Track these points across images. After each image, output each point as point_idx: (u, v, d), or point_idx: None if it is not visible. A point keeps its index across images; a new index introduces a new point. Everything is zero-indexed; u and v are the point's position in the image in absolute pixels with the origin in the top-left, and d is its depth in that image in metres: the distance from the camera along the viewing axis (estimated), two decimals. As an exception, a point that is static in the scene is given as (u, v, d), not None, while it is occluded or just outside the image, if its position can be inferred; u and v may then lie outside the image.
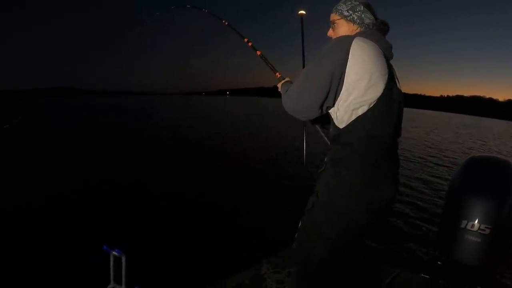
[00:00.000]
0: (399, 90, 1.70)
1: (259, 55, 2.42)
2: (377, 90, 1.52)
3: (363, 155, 1.55)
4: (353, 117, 1.53)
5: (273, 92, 2.09)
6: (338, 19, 1.76)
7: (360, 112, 1.52)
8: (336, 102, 1.57)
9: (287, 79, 2.06)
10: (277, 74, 2.19)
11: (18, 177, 9.46)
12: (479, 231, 1.83)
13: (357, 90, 1.50)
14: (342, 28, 1.76)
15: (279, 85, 2.04)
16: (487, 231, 1.82)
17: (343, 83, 1.52)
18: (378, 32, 1.70)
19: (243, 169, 11.43)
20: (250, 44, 2.51)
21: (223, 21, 2.81)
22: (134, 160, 12.34)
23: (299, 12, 2.40)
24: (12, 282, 4.17)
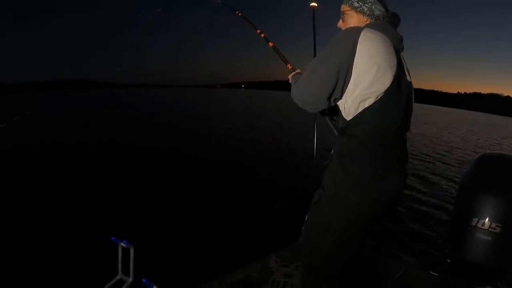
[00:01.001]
0: (409, 83, 1.67)
1: (271, 46, 2.42)
2: (385, 82, 1.49)
3: (369, 147, 1.54)
4: (360, 109, 1.52)
5: (287, 85, 2.08)
6: (348, 10, 1.74)
7: (367, 104, 1.50)
8: (344, 94, 1.55)
9: (298, 70, 2.05)
10: (289, 65, 2.19)
11: (29, 168, 9.58)
12: (489, 229, 1.82)
13: (364, 82, 1.49)
14: (351, 19, 1.74)
15: (289, 77, 2.03)
16: (498, 229, 1.80)
17: (351, 75, 1.50)
18: (389, 24, 1.68)
19: (253, 161, 11.47)
20: (262, 35, 2.52)
21: (237, 12, 2.82)
22: (145, 151, 12.44)
23: (311, 5, 2.39)
24: (21, 273, 4.22)
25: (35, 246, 4.83)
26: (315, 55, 2.23)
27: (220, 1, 3.05)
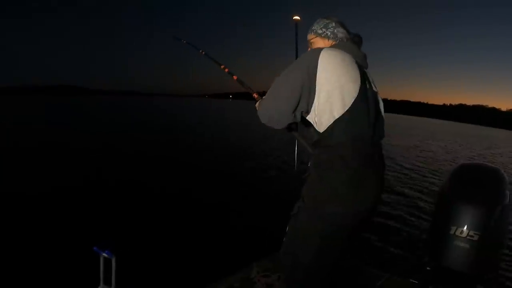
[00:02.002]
0: (375, 93, 1.76)
1: (236, 79, 2.47)
2: (350, 93, 1.57)
3: (345, 157, 1.57)
4: (331, 120, 1.56)
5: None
6: (314, 38, 1.90)
7: (337, 115, 1.55)
8: (312, 108, 1.61)
9: (264, 97, 2.07)
10: (254, 95, 2.21)
11: (8, 175, 9.37)
12: (468, 237, 1.84)
13: (331, 94, 1.55)
14: (318, 44, 1.87)
15: (256, 105, 2.04)
16: (476, 237, 1.83)
17: (315, 88, 1.58)
18: (352, 44, 1.80)
19: (234, 171, 11.43)
20: (226, 70, 2.56)
21: (201, 51, 2.87)
22: (126, 160, 12.28)
23: (294, 18, 2.41)
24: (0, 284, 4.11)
25: (13, 256, 4.69)
26: None
27: (185, 41, 3.13)
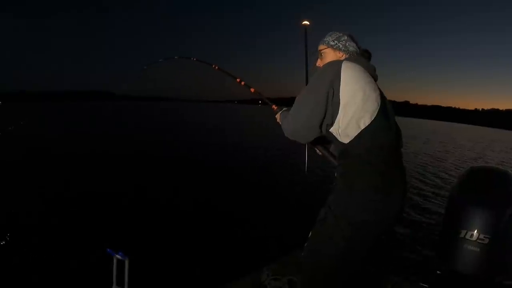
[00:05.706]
0: (390, 103, 1.79)
1: (253, 92, 2.50)
2: (374, 103, 1.62)
3: (373, 165, 1.60)
4: (358, 130, 1.60)
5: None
6: (325, 49, 1.93)
7: (363, 125, 1.59)
8: (336, 120, 1.64)
9: (284, 108, 2.10)
10: (274, 106, 2.24)
11: (24, 178, 9.40)
12: (478, 240, 1.84)
13: (356, 105, 1.59)
14: (329, 56, 1.91)
15: (277, 116, 2.08)
16: (486, 240, 1.82)
17: (339, 101, 1.60)
18: (362, 57, 1.84)
19: (245, 175, 11.41)
20: (243, 83, 2.58)
21: (213, 66, 2.88)
22: (140, 163, 12.37)
23: (303, 23, 2.42)
24: (15, 285, 4.17)
25: (28, 257, 4.73)
26: (306, 73, 2.29)
27: (195, 59, 3.14)
